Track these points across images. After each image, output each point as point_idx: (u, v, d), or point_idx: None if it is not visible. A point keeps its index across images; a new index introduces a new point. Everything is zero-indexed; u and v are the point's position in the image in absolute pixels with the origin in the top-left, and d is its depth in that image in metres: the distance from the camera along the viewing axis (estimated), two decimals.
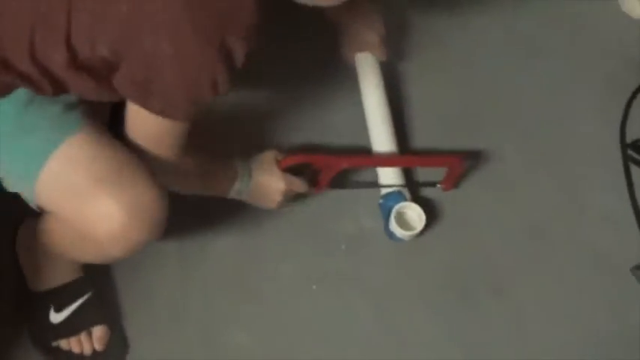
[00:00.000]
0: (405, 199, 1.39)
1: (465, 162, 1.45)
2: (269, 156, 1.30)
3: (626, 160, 1.52)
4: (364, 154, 1.44)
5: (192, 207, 1.31)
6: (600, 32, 1.67)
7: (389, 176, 1.41)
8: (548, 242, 1.45)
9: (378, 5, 1.50)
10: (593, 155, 1.54)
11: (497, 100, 1.58)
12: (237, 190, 1.26)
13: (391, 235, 1.39)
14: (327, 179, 1.36)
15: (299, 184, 1.32)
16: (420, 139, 1.51)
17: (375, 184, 1.41)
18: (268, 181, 1.28)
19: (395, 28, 1.57)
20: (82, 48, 0.94)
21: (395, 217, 1.37)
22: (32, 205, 1.06)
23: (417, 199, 1.42)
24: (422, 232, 1.39)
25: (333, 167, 1.35)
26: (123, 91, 0.98)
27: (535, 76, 1.61)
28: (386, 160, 1.42)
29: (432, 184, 1.44)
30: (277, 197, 1.30)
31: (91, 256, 1.15)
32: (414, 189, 1.43)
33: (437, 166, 1.43)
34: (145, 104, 0.98)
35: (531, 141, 1.55)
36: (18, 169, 1.03)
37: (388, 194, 1.40)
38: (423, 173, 1.46)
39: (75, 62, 0.95)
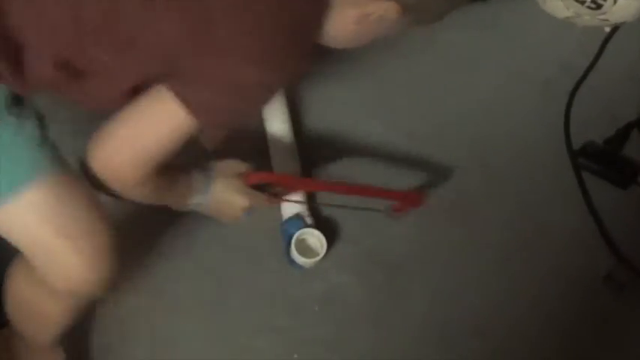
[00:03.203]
0: (306, 225, 1.35)
1: (424, 199, 1.40)
2: (232, 168, 1.20)
3: (578, 169, 1.49)
4: (327, 180, 1.40)
5: (153, 293, 1.30)
6: (530, 37, 1.65)
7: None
8: (517, 270, 1.43)
9: None
10: (545, 167, 1.52)
11: (444, 119, 1.55)
12: (196, 204, 1.16)
13: (292, 262, 1.35)
14: (283, 196, 1.32)
15: (261, 201, 1.23)
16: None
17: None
18: (232, 198, 1.18)
19: None
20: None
21: (295, 245, 1.33)
22: None
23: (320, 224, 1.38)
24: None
25: (295, 188, 1.33)
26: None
27: (474, 90, 1.59)
28: (348, 187, 1.36)
29: (377, 210, 1.37)
30: (239, 213, 1.21)
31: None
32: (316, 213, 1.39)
33: (395, 200, 1.37)
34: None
35: (483, 162, 1.52)
36: None
37: (288, 220, 1.36)
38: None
39: None
